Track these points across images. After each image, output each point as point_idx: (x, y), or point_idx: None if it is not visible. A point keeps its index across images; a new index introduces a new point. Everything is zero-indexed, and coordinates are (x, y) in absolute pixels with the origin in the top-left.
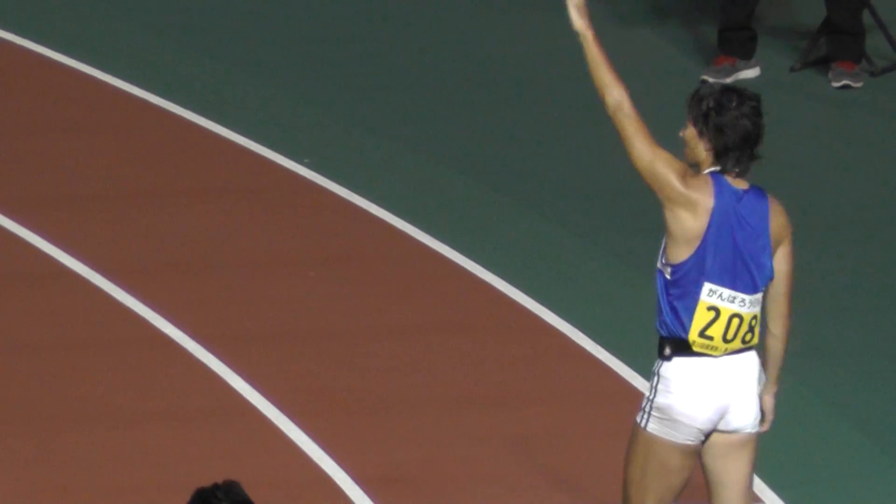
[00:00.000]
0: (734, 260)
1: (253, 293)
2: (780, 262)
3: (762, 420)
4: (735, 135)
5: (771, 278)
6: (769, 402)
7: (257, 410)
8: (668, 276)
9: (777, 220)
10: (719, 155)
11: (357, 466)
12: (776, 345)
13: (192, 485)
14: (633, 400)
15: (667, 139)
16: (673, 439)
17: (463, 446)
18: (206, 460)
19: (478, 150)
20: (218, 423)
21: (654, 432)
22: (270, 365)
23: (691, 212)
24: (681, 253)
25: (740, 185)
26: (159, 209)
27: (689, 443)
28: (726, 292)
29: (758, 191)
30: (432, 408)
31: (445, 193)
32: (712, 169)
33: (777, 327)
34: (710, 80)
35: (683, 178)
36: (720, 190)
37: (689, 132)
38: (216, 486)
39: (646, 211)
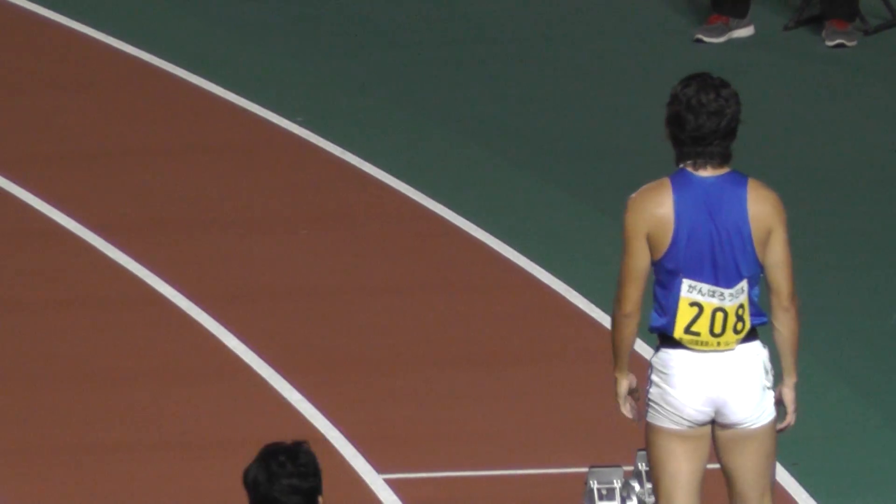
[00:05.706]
0: (711, 253)
1: (246, 251)
2: (772, 250)
3: (781, 415)
4: (677, 128)
5: (758, 266)
6: (787, 395)
7: (250, 369)
8: (654, 271)
9: (761, 206)
10: (675, 147)
11: (349, 424)
12: (779, 338)
13: (186, 443)
14: None
15: (659, 98)
16: (662, 424)
17: (455, 404)
18: (198, 418)
19: (470, 108)
20: (211, 381)
21: (650, 419)
22: (263, 323)
23: (656, 232)
24: (656, 252)
25: (713, 172)
26: (152, 167)
27: (679, 429)
28: (706, 287)
29: (735, 177)
30: (425, 366)
31: (438, 152)
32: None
33: (778, 321)
34: (704, 38)
35: (642, 217)
36: (680, 189)
37: None
38: (281, 448)
39: (638, 169)
